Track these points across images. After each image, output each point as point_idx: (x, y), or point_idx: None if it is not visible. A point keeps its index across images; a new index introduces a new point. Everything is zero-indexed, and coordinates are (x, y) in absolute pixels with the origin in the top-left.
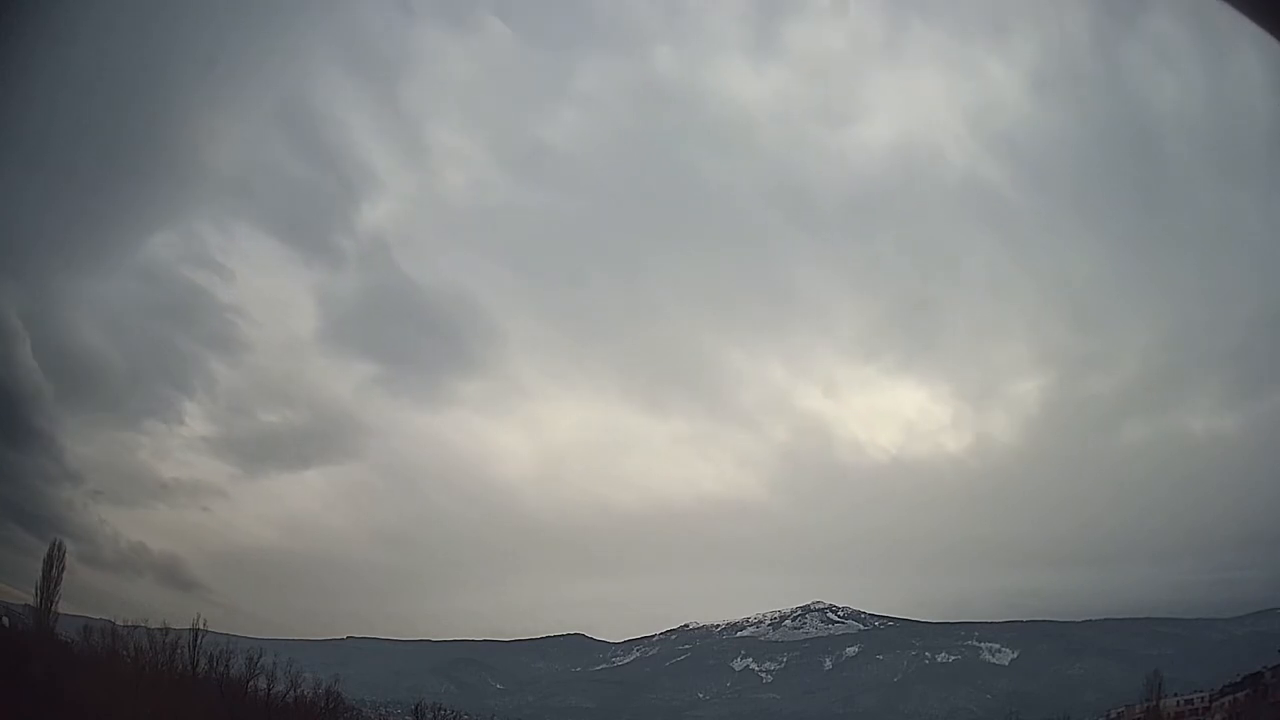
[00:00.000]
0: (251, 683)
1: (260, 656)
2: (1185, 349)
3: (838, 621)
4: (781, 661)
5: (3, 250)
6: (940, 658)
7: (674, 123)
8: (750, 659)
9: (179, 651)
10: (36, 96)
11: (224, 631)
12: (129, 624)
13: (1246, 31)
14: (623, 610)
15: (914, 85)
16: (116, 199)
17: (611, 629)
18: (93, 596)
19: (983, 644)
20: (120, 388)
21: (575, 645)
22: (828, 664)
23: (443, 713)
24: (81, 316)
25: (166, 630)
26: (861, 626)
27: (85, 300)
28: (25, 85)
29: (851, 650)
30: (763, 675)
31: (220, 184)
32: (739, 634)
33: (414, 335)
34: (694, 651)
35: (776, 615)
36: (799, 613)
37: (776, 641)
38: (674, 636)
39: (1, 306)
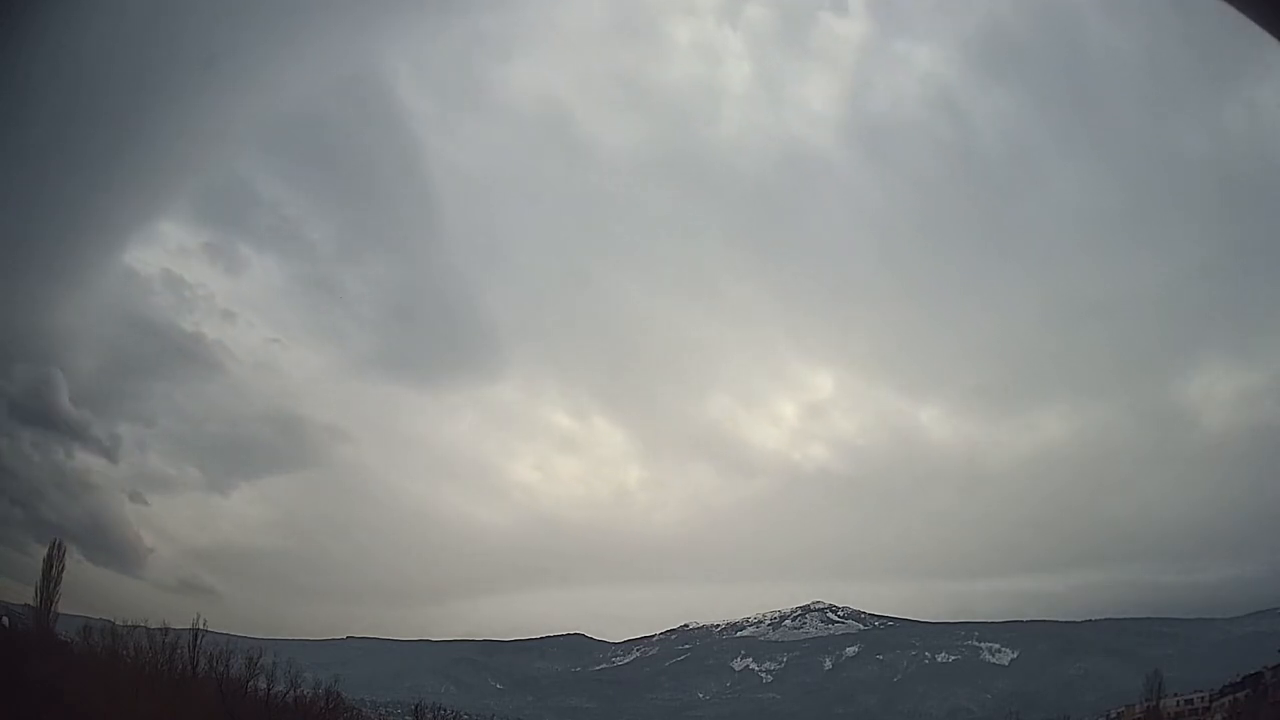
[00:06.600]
0: (251, 683)
1: (260, 656)
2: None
3: (838, 621)
4: (781, 661)
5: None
6: (940, 658)
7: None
8: (750, 659)
9: (179, 651)
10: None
11: (224, 631)
12: (129, 624)
13: (1247, 32)
14: (623, 610)
15: None
16: (94, 206)
17: (611, 629)
18: (93, 597)
19: (983, 644)
20: (107, 389)
21: (575, 645)
22: (828, 664)
23: (443, 713)
24: (62, 323)
25: (166, 630)
26: (861, 626)
27: (66, 306)
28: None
29: (851, 650)
30: (763, 675)
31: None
32: (739, 634)
33: (408, 334)
34: (694, 651)
35: (776, 615)
36: (799, 613)
37: (776, 641)
38: (674, 636)
39: None
